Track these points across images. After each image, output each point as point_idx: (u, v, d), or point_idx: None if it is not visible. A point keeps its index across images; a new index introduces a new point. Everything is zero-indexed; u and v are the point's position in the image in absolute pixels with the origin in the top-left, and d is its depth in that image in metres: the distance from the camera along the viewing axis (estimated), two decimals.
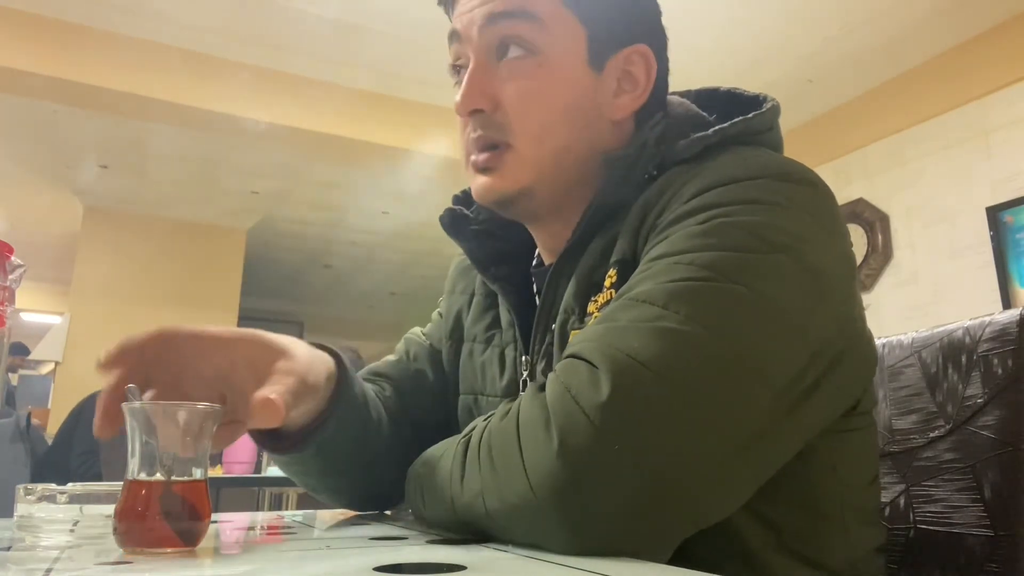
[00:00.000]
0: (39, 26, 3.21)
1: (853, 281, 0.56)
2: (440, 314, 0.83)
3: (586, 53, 0.64)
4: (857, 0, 3.05)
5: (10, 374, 5.00)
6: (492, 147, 0.64)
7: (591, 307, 0.61)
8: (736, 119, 0.61)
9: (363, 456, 0.67)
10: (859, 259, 3.65)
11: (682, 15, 3.10)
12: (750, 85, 0.67)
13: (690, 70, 4.16)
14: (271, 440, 0.61)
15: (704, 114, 0.66)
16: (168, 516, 0.43)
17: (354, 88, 3.61)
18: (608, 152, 0.64)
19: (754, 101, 0.65)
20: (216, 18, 3.22)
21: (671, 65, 0.69)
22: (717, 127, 0.61)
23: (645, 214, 0.59)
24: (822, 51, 3.40)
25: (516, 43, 0.62)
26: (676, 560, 0.46)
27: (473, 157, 0.66)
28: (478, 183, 0.66)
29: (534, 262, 0.74)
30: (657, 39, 0.68)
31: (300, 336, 0.72)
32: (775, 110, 0.64)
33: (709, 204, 0.53)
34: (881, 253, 3.56)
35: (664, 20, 0.69)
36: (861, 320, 0.57)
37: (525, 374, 0.68)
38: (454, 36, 0.66)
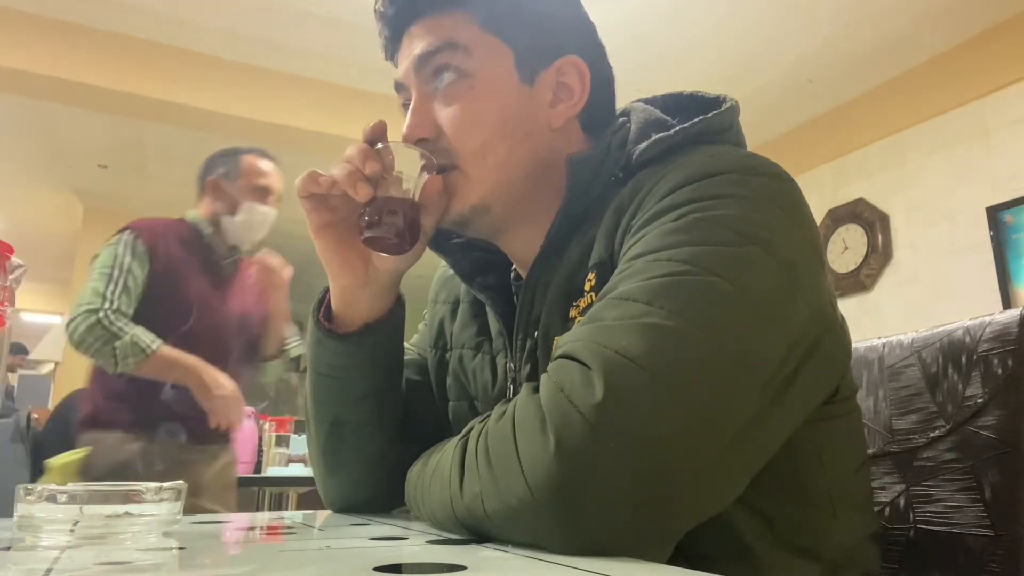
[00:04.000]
0: (39, 26, 3.21)
1: (822, 269, 0.58)
2: (425, 324, 0.85)
3: (515, 70, 0.67)
4: (857, 0, 3.05)
5: (10, 374, 5.00)
6: (441, 171, 0.67)
7: (572, 312, 0.62)
8: (696, 119, 0.64)
9: (391, 397, 0.72)
10: (859, 259, 3.65)
11: (681, 16, 3.11)
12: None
13: (689, 70, 4.15)
14: (335, 328, 0.69)
15: (666, 117, 0.68)
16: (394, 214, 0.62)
17: (354, 88, 3.61)
18: (553, 157, 0.67)
19: (714, 102, 0.67)
20: (216, 18, 3.22)
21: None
22: (678, 127, 0.63)
23: (619, 216, 0.60)
24: (822, 51, 3.40)
25: (448, 72, 0.66)
26: (672, 558, 0.47)
27: None
28: None
29: (512, 275, 0.75)
30: (589, 49, 0.71)
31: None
32: (734, 110, 0.66)
33: (682, 201, 0.55)
34: (881, 253, 3.56)
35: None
36: (832, 307, 0.58)
37: (510, 381, 0.69)
38: (399, 86, 0.71)
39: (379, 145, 0.64)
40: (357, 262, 0.68)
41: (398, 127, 0.69)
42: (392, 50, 0.72)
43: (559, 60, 0.68)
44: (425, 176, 0.65)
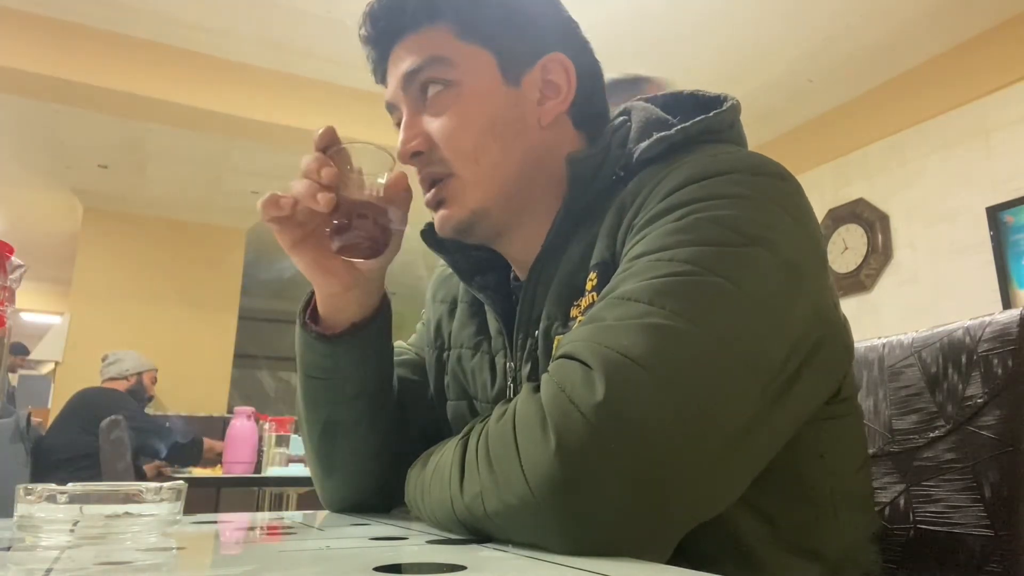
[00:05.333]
0: (39, 26, 3.21)
1: (825, 270, 0.57)
2: (422, 324, 0.85)
3: (499, 74, 0.68)
4: (857, 0, 3.05)
5: (10, 374, 5.01)
6: (437, 181, 0.67)
7: (574, 311, 0.62)
8: (698, 118, 0.63)
9: (382, 396, 0.72)
10: (859, 259, 3.65)
11: (681, 16, 3.11)
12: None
13: (689, 71, 4.14)
14: (323, 330, 0.69)
15: (667, 116, 0.68)
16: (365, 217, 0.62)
17: (354, 88, 3.61)
18: (547, 155, 0.68)
19: (715, 101, 0.67)
20: (217, 18, 3.22)
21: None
22: (680, 126, 0.63)
23: (621, 215, 0.60)
24: (822, 51, 3.40)
25: (434, 85, 0.67)
26: (673, 558, 0.47)
27: (425, 196, 0.69)
28: (436, 219, 0.69)
29: (511, 275, 0.75)
30: (572, 45, 0.71)
31: None
32: (735, 108, 0.66)
33: (684, 201, 0.55)
34: (881, 253, 3.56)
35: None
36: (835, 307, 0.58)
37: (510, 380, 0.69)
38: (390, 107, 0.72)
39: (332, 150, 0.64)
40: (339, 269, 0.67)
41: (390, 135, 0.69)
42: (381, 73, 0.72)
43: (543, 59, 0.69)
44: (387, 172, 0.64)
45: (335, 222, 0.61)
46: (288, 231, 0.65)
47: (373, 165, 0.64)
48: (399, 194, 0.65)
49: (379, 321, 0.71)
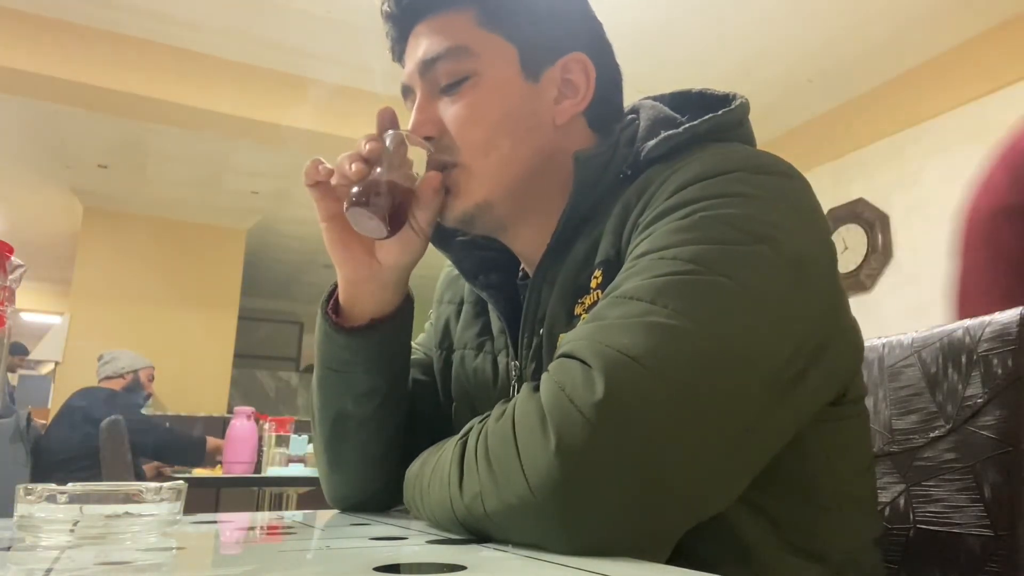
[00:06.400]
0: (39, 26, 3.21)
1: (833, 269, 0.57)
2: (431, 324, 0.85)
3: (519, 67, 0.67)
4: (857, 0, 3.05)
5: (10, 374, 5.01)
6: (444, 168, 0.67)
7: (578, 309, 0.62)
8: (706, 117, 0.63)
9: (395, 395, 0.72)
10: (859, 259, 3.65)
11: (682, 15, 3.11)
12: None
13: (689, 70, 4.14)
14: (342, 322, 0.69)
15: (675, 115, 0.68)
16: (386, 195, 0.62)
17: (354, 88, 3.61)
18: (558, 154, 0.67)
19: (723, 99, 0.67)
20: (216, 18, 3.22)
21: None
22: (687, 125, 0.63)
23: (626, 214, 0.60)
24: (822, 51, 3.40)
25: (452, 72, 0.67)
26: (675, 559, 0.47)
27: None
28: None
29: (519, 275, 0.75)
30: (595, 47, 0.71)
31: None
32: (744, 107, 0.66)
33: (689, 200, 0.54)
34: (881, 253, 3.56)
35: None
36: (844, 308, 0.58)
37: (515, 379, 0.69)
38: (406, 90, 0.71)
39: (388, 132, 0.65)
40: (361, 255, 0.68)
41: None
42: (399, 51, 0.72)
43: (564, 57, 0.68)
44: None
45: (354, 192, 0.62)
46: (326, 202, 0.67)
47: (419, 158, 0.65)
48: (426, 192, 0.65)
49: (398, 319, 0.70)
